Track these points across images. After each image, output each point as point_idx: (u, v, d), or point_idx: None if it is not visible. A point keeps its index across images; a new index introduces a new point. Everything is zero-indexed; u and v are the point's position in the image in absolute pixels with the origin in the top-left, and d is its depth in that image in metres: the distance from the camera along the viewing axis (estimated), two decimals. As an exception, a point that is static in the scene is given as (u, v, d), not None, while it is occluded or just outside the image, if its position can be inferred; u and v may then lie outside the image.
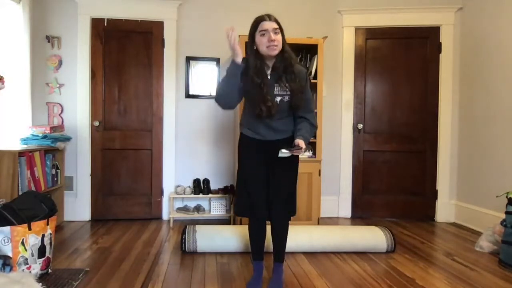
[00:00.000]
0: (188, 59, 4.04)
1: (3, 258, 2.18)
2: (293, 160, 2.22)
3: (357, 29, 4.18)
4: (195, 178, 4.00)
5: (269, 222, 2.29)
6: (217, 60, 4.06)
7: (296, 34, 3.79)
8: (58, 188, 3.66)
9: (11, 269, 2.18)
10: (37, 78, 3.74)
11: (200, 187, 3.90)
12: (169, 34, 3.98)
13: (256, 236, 2.33)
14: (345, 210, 4.23)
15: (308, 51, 3.77)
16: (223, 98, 2.15)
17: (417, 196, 4.19)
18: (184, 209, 3.93)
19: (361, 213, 4.23)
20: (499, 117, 3.48)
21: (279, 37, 2.09)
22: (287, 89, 2.14)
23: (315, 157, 3.58)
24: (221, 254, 2.91)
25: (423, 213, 4.17)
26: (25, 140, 3.38)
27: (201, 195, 3.86)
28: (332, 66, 4.16)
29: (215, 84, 4.05)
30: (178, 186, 3.93)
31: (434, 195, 4.16)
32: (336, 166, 4.22)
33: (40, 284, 2.09)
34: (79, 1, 3.82)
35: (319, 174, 3.57)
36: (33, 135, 3.42)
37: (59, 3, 3.83)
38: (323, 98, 3.68)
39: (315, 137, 3.53)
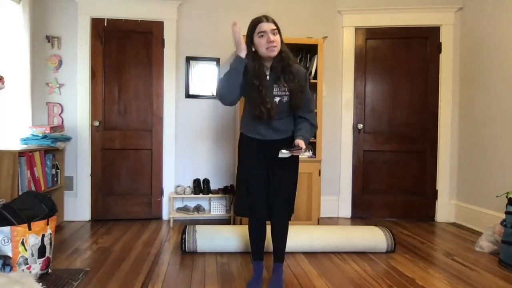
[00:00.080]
0: (188, 59, 4.04)
1: (3, 258, 2.18)
2: (294, 160, 2.22)
3: (357, 29, 4.18)
4: (195, 178, 4.00)
5: (269, 222, 2.30)
6: (217, 60, 4.07)
7: (296, 34, 3.80)
8: (58, 188, 3.66)
9: (11, 269, 2.18)
10: (37, 78, 3.74)
11: (200, 187, 3.90)
12: (169, 34, 3.98)
13: (256, 236, 2.33)
14: (345, 210, 4.23)
15: (308, 51, 3.77)
16: (225, 93, 2.13)
17: (417, 196, 4.19)
18: (184, 209, 3.93)
19: (361, 213, 4.23)
20: (499, 117, 3.48)
21: (277, 37, 2.09)
22: (285, 89, 2.14)
23: (315, 157, 3.58)
24: (221, 254, 2.91)
25: (423, 213, 4.17)
26: (25, 140, 3.38)
27: (201, 195, 3.86)
28: (332, 66, 4.16)
29: (215, 84, 4.05)
30: (178, 186, 3.93)
31: (434, 195, 4.16)
32: (336, 166, 4.22)
33: (40, 284, 2.09)
34: (79, 1, 3.82)
35: (319, 174, 3.57)
36: (33, 135, 3.42)
37: (59, 3, 3.83)
38: (323, 98, 3.68)
39: (315, 137, 3.52)
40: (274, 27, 2.08)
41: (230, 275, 2.51)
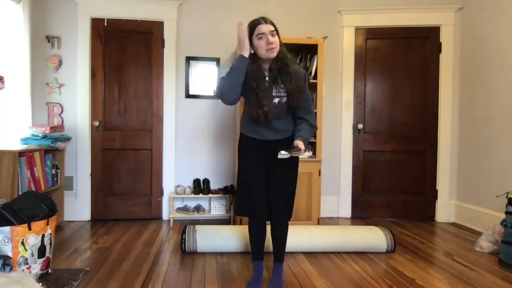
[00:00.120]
0: (188, 59, 4.04)
1: (3, 258, 2.18)
2: (293, 160, 2.22)
3: (357, 29, 4.18)
4: (195, 178, 4.00)
5: (269, 222, 2.30)
6: (217, 60, 4.07)
7: (296, 34, 3.80)
8: (58, 188, 3.66)
9: (11, 269, 2.18)
10: (37, 78, 3.74)
11: (200, 187, 3.90)
12: (169, 34, 3.98)
13: (256, 236, 2.33)
14: (345, 210, 4.23)
15: (308, 51, 3.77)
16: (226, 92, 2.13)
17: (417, 196, 4.19)
18: (184, 209, 3.93)
19: (361, 213, 4.23)
20: (499, 117, 3.48)
21: (276, 39, 2.09)
22: (283, 90, 2.14)
23: (315, 157, 3.58)
24: (221, 254, 2.91)
25: (423, 213, 4.17)
26: (25, 140, 3.38)
27: (201, 195, 3.86)
28: (332, 66, 4.16)
29: (216, 84, 4.05)
30: (178, 186, 3.93)
31: (434, 195, 4.16)
32: (336, 166, 4.22)
33: (40, 284, 2.09)
34: (79, 1, 3.82)
35: (319, 174, 3.57)
36: (33, 135, 3.42)
37: (59, 3, 3.83)
38: (323, 98, 3.68)
39: (315, 137, 3.52)
40: (273, 28, 2.09)
41: (230, 275, 2.51)
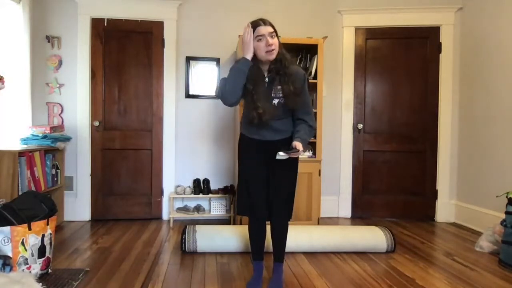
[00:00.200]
0: (188, 59, 4.04)
1: (3, 258, 2.18)
2: (293, 160, 2.22)
3: (357, 29, 4.18)
4: (195, 178, 4.00)
5: (269, 222, 2.30)
6: (217, 60, 4.07)
7: (296, 34, 3.80)
8: (58, 188, 3.66)
9: (11, 269, 2.18)
10: (37, 78, 3.74)
11: (200, 187, 3.90)
12: (169, 34, 3.98)
13: (256, 236, 2.33)
14: (345, 210, 4.23)
15: (308, 51, 3.77)
16: (228, 93, 2.13)
17: (417, 196, 4.19)
18: (184, 209, 3.93)
19: (361, 213, 4.23)
20: (499, 117, 3.48)
21: (275, 40, 2.10)
22: (281, 91, 2.14)
23: (315, 157, 3.58)
24: (221, 254, 2.91)
25: (423, 213, 4.17)
26: (25, 140, 3.38)
27: (201, 195, 3.86)
28: (332, 66, 4.16)
29: (215, 84, 4.05)
30: (178, 186, 3.93)
31: (434, 195, 4.16)
32: (336, 166, 4.22)
33: (40, 284, 2.09)
34: (79, 1, 3.82)
35: (319, 174, 3.57)
36: (33, 135, 3.42)
37: (59, 3, 3.83)
38: (323, 98, 3.67)
39: (315, 137, 3.53)
40: (272, 30, 2.09)
41: (230, 275, 2.51)
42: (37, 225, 2.29)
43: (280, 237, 2.30)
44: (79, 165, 3.88)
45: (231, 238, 2.93)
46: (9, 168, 2.82)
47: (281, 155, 2.03)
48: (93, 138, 3.93)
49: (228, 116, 4.07)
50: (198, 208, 3.91)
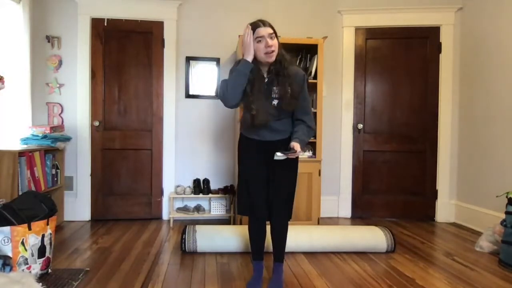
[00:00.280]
0: (188, 59, 4.04)
1: (3, 258, 2.18)
2: (293, 160, 2.22)
3: (357, 29, 4.18)
4: (195, 178, 4.00)
5: (269, 222, 2.30)
6: (217, 60, 4.07)
7: (296, 34, 3.80)
8: (58, 188, 3.66)
9: (11, 269, 2.18)
10: (37, 78, 3.74)
11: (200, 187, 3.90)
12: (169, 34, 3.98)
13: (256, 236, 2.33)
14: (345, 210, 4.23)
15: (308, 51, 3.77)
16: (229, 95, 2.12)
17: (417, 196, 4.19)
18: (184, 209, 3.93)
19: (361, 213, 4.23)
20: (499, 117, 3.48)
21: (275, 41, 2.10)
22: (277, 93, 2.15)
23: (315, 157, 3.58)
24: (221, 254, 2.91)
25: (423, 213, 4.17)
26: (25, 140, 3.38)
27: (201, 195, 3.86)
28: (332, 66, 4.16)
29: (215, 84, 4.06)
30: (178, 186, 3.93)
31: (434, 195, 4.16)
32: (336, 166, 4.22)
33: (40, 284, 2.10)
34: (79, 1, 3.82)
35: (319, 174, 3.57)
36: (33, 135, 3.42)
37: (59, 3, 3.83)
38: (323, 98, 3.67)
39: (315, 137, 3.53)
40: (271, 31, 2.09)
41: (230, 275, 2.51)
42: (37, 225, 2.29)
43: (280, 237, 2.30)
44: (79, 165, 3.88)
45: (231, 238, 2.93)
46: (9, 168, 2.82)
47: (279, 155, 2.04)
48: (93, 138, 3.93)
49: (228, 116, 4.07)
50: (198, 208, 3.91)
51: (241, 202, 2.33)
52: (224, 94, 2.13)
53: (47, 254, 2.37)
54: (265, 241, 2.35)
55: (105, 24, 3.89)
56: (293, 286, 2.34)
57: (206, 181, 3.90)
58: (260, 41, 2.07)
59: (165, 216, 4.03)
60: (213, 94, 4.05)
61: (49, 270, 2.42)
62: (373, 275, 2.54)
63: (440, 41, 4.10)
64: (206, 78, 4.07)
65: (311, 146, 3.60)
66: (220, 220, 3.95)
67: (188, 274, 2.52)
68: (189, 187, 3.93)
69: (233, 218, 3.86)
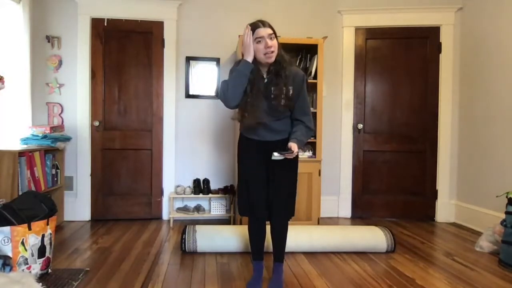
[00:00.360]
0: (188, 59, 4.04)
1: (3, 258, 2.18)
2: (293, 160, 2.22)
3: (357, 29, 4.18)
4: (195, 178, 4.00)
5: (269, 222, 2.30)
6: (217, 60, 4.07)
7: (296, 34, 3.80)
8: (58, 188, 3.66)
9: (11, 269, 2.18)
10: (37, 78, 3.74)
11: (200, 187, 3.90)
12: (169, 34, 3.98)
13: (256, 236, 2.33)
14: (345, 210, 4.23)
15: (308, 51, 3.77)
16: (230, 96, 2.12)
17: (417, 196, 4.19)
18: (184, 209, 3.93)
19: (361, 213, 4.23)
20: (499, 117, 3.48)
21: (274, 42, 2.10)
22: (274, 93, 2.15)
23: (315, 157, 3.58)
24: (221, 254, 2.91)
25: (423, 213, 4.17)
26: (25, 140, 3.38)
27: (201, 195, 3.86)
28: (332, 66, 4.16)
29: (215, 84, 4.06)
30: (178, 186, 3.93)
31: (434, 195, 4.16)
32: (336, 166, 4.22)
33: (40, 284, 2.10)
34: (79, 1, 3.82)
35: (319, 174, 3.57)
36: (33, 135, 3.42)
37: (59, 3, 3.83)
38: (323, 98, 3.67)
39: (315, 137, 3.53)
40: (271, 31, 2.09)
41: (230, 275, 2.51)
42: (37, 225, 2.29)
43: (280, 237, 2.30)
44: (79, 165, 3.88)
45: (231, 238, 2.93)
46: (9, 168, 2.82)
47: (276, 155, 2.04)
48: (93, 138, 3.93)
49: (228, 116, 4.06)
50: (198, 208, 3.91)
51: (241, 203, 2.33)
52: (224, 94, 2.13)
53: (47, 254, 2.37)
54: (265, 241, 2.35)
55: (105, 24, 3.89)
56: (293, 286, 2.34)
57: (206, 181, 3.90)
58: (259, 41, 2.07)
59: (165, 216, 4.03)
60: (213, 94, 4.06)
61: (49, 270, 2.42)
62: (373, 275, 2.54)
63: (440, 41, 4.10)
64: (206, 78, 4.07)
65: (311, 146, 3.60)
66: (220, 220, 3.95)
67: (188, 274, 2.52)
68: (189, 187, 3.93)
69: (233, 218, 3.86)
